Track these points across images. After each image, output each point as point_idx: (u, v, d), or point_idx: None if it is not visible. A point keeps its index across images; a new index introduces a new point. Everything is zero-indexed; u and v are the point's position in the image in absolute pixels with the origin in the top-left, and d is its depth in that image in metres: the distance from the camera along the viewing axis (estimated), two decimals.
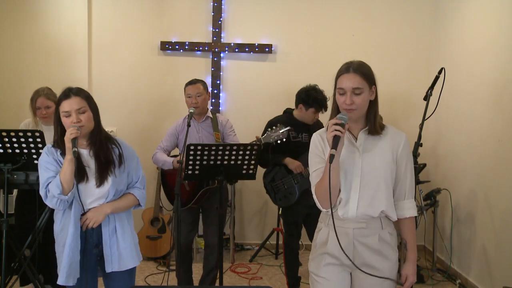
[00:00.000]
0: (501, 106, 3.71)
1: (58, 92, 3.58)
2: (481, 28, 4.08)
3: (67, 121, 2.21)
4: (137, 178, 2.44)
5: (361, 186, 1.96)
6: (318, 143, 2.05)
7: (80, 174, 2.22)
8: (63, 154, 2.24)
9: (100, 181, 2.27)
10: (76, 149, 2.13)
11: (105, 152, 2.30)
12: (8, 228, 2.89)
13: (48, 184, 2.22)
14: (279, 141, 3.35)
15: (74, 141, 2.15)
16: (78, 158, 2.20)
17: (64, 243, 2.23)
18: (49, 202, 2.23)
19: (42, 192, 2.25)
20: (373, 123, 1.98)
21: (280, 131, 3.34)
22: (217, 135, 3.57)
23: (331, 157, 1.81)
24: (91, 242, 2.32)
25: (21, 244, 3.06)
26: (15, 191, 3.48)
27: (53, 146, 2.30)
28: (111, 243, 2.32)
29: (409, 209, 2.03)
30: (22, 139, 2.85)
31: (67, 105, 2.21)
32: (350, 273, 2.06)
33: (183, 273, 3.58)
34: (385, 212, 1.98)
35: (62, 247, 2.25)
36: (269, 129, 3.39)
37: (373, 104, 1.98)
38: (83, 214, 2.27)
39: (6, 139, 2.84)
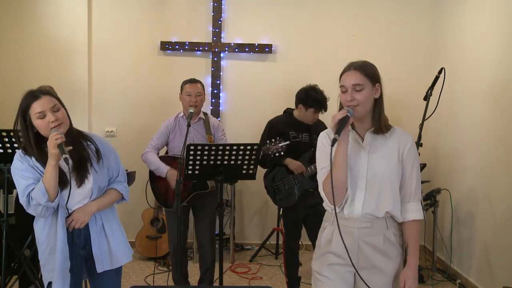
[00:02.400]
0: (501, 106, 3.71)
1: (59, 92, 3.63)
2: (481, 28, 4.08)
3: (43, 123, 2.07)
4: (117, 173, 2.36)
5: (367, 186, 1.96)
6: (326, 142, 2.06)
7: (61, 180, 2.10)
8: (38, 159, 2.13)
9: (80, 180, 2.17)
10: (67, 155, 2.00)
11: (79, 150, 2.18)
12: (8, 228, 2.89)
13: (29, 192, 2.09)
14: (277, 154, 3.34)
15: (62, 146, 2.01)
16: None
17: (52, 248, 2.15)
18: (33, 211, 2.11)
19: (23, 201, 2.11)
20: (378, 122, 1.98)
21: (280, 145, 3.33)
22: (210, 138, 3.56)
23: (333, 141, 1.81)
24: (78, 244, 2.23)
25: (22, 244, 3.06)
26: (15, 191, 3.48)
27: (25, 152, 2.15)
28: (100, 242, 2.25)
29: (413, 212, 2.04)
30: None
31: (38, 106, 2.07)
32: (354, 274, 2.05)
33: (178, 274, 3.59)
34: (391, 213, 1.98)
35: (49, 254, 2.17)
36: (268, 141, 3.38)
37: (378, 103, 1.98)
38: (68, 216, 2.18)
39: (6, 139, 2.84)
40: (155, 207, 4.62)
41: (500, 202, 3.67)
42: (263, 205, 5.21)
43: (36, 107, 2.08)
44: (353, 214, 1.97)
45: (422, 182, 4.30)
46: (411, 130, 3.75)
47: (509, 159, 3.57)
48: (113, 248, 2.29)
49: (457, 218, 4.37)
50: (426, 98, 3.66)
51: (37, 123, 2.09)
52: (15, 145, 2.86)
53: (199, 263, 3.66)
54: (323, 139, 2.08)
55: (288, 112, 3.77)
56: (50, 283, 2.18)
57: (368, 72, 1.95)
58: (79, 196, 2.21)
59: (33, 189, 2.10)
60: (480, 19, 4.13)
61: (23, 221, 3.30)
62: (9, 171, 2.86)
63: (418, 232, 2.06)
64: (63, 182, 2.12)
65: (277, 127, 3.61)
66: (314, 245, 3.70)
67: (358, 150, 1.98)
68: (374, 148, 1.99)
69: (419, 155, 3.67)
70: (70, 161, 2.03)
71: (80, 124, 3.84)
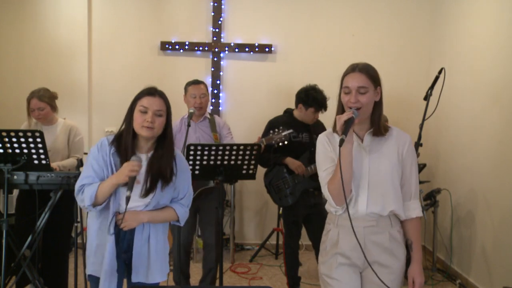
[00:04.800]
0: (501, 106, 3.71)
1: (59, 92, 3.64)
2: (481, 28, 4.08)
3: (140, 118, 2.11)
4: (183, 195, 2.31)
5: (369, 186, 1.98)
6: (326, 143, 2.07)
7: (128, 183, 2.08)
8: (116, 153, 2.15)
9: (145, 193, 2.15)
10: (129, 194, 2.02)
11: (164, 167, 2.16)
12: (8, 228, 2.89)
13: (84, 184, 2.14)
14: (281, 144, 3.35)
15: (133, 180, 2.03)
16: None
17: (98, 245, 2.16)
18: (78, 200, 2.16)
19: (77, 186, 2.16)
20: (377, 125, 2.01)
21: (283, 134, 3.33)
22: (216, 136, 3.57)
23: (341, 141, 1.83)
24: (120, 246, 2.20)
25: (22, 244, 3.06)
26: (15, 191, 3.48)
27: (111, 142, 2.17)
28: (141, 252, 2.20)
29: (415, 210, 2.07)
30: (22, 139, 2.85)
31: (147, 102, 2.14)
32: (361, 273, 2.07)
33: (179, 274, 3.59)
34: (395, 212, 2.01)
35: (95, 248, 2.18)
36: (271, 131, 3.39)
37: (378, 106, 2.01)
38: (119, 213, 2.15)
39: (6, 139, 2.84)
40: None
41: (500, 202, 3.67)
42: (263, 205, 5.21)
43: (144, 101, 2.15)
44: (357, 213, 1.99)
45: (422, 182, 4.33)
46: (411, 130, 3.76)
47: (509, 159, 3.57)
48: (152, 263, 2.22)
49: (457, 218, 4.37)
50: (426, 98, 3.66)
51: (136, 115, 2.14)
52: (15, 145, 2.86)
53: (202, 262, 3.66)
54: (323, 141, 2.08)
55: (288, 112, 3.77)
56: (90, 276, 2.21)
57: (372, 75, 1.98)
58: (136, 202, 2.17)
59: (89, 183, 2.13)
60: (480, 20, 4.13)
61: (24, 221, 3.30)
62: (9, 171, 2.86)
63: (420, 229, 2.11)
64: (129, 186, 2.08)
65: (277, 127, 3.61)
66: (314, 245, 3.74)
67: (359, 151, 2.00)
68: (374, 149, 2.01)
69: (419, 155, 3.70)
70: (129, 199, 2.04)
71: (80, 124, 3.87)
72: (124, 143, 2.16)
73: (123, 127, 2.21)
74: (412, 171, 2.05)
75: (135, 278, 2.21)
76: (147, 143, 2.20)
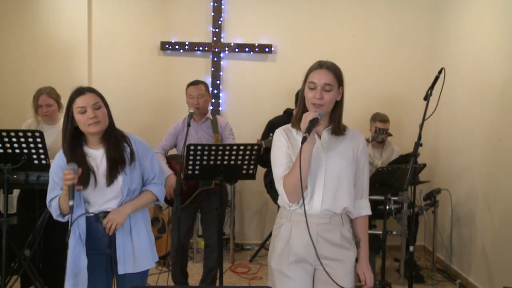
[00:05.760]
0: (501, 106, 3.71)
1: (59, 91, 3.64)
2: (481, 28, 4.08)
3: (82, 118, 2.15)
4: (153, 174, 2.37)
5: (325, 183, 2.01)
6: (283, 138, 2.09)
7: (84, 177, 2.16)
8: (66, 154, 2.20)
9: (110, 180, 2.20)
10: (72, 203, 2.06)
11: (118, 152, 2.23)
12: (8, 228, 2.89)
13: (51, 200, 2.24)
14: None
15: (72, 189, 2.07)
16: (83, 160, 2.18)
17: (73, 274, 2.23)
18: (52, 213, 2.26)
19: (47, 201, 2.26)
20: (337, 124, 2.04)
21: None
22: (217, 137, 3.58)
23: (303, 139, 1.84)
24: (103, 242, 2.27)
25: (24, 244, 3.06)
26: (15, 191, 3.49)
27: (65, 153, 2.22)
28: (124, 244, 2.25)
29: (365, 207, 2.11)
30: (22, 139, 2.85)
31: (81, 101, 2.16)
32: (314, 270, 2.08)
33: (178, 274, 3.59)
34: (348, 209, 2.04)
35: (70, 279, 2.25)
36: (271, 134, 3.39)
37: (339, 105, 2.04)
38: (104, 217, 2.22)
39: (6, 139, 2.84)
40: (155, 207, 4.62)
41: (500, 202, 3.67)
42: (263, 205, 5.21)
43: (79, 102, 2.17)
44: (312, 210, 2.00)
45: (422, 182, 4.33)
46: (411, 130, 3.77)
47: (509, 159, 3.57)
48: (137, 252, 2.28)
49: (457, 218, 4.37)
50: (426, 98, 3.66)
51: (78, 117, 2.17)
52: (15, 145, 2.86)
53: (203, 262, 3.66)
54: (281, 137, 2.09)
55: (288, 112, 3.78)
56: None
57: (338, 74, 2.01)
58: (109, 195, 2.24)
59: (54, 197, 2.22)
60: (480, 19, 4.13)
61: (25, 221, 3.30)
62: (9, 171, 2.86)
63: (367, 226, 2.16)
64: (85, 180, 2.17)
65: (277, 127, 3.61)
66: None
67: (316, 147, 2.01)
68: (331, 147, 2.04)
69: (419, 155, 3.70)
70: (73, 208, 2.08)
71: None
72: (67, 148, 2.21)
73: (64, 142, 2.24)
74: (365, 170, 2.10)
75: (121, 270, 2.26)
76: (97, 138, 2.25)
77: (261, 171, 3.50)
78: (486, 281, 3.81)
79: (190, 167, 2.97)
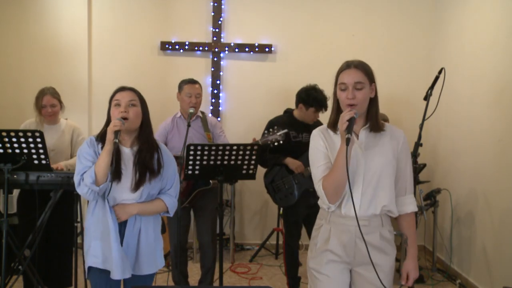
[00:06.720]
0: (501, 106, 3.71)
1: (59, 91, 3.63)
2: (481, 28, 4.08)
3: (115, 111, 2.23)
4: (170, 185, 2.38)
5: (364, 183, 1.98)
6: (321, 139, 2.06)
7: (116, 172, 2.19)
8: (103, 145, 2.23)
9: (136, 187, 2.23)
10: (117, 141, 2.11)
11: (149, 160, 2.25)
12: (8, 228, 2.89)
13: (84, 173, 2.20)
14: (276, 143, 3.33)
15: (117, 133, 2.12)
16: (117, 155, 2.19)
17: (96, 236, 2.22)
18: (80, 190, 2.21)
19: (76, 179, 2.22)
20: (374, 121, 2.01)
21: (278, 134, 3.32)
22: (209, 135, 3.56)
23: (347, 140, 1.82)
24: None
25: (24, 244, 3.07)
26: (15, 191, 3.48)
27: (96, 139, 2.27)
28: (130, 244, 2.26)
29: (410, 204, 2.07)
30: (22, 139, 2.85)
31: (119, 95, 2.27)
32: (350, 271, 2.07)
33: (178, 274, 3.59)
34: (387, 208, 2.00)
35: (93, 240, 2.23)
36: (266, 132, 3.38)
37: (373, 102, 2.01)
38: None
39: (6, 139, 2.84)
40: None
41: (500, 202, 3.67)
42: (263, 205, 5.21)
43: (117, 96, 2.29)
44: (350, 212, 1.97)
45: (422, 182, 4.33)
46: (411, 130, 3.76)
47: (509, 159, 3.57)
48: (140, 256, 2.28)
49: (457, 218, 4.37)
50: (426, 98, 3.66)
51: (112, 110, 2.27)
52: (15, 145, 2.86)
53: (200, 263, 3.66)
54: (319, 137, 2.07)
55: (288, 112, 3.77)
56: (90, 268, 2.24)
57: (367, 71, 1.99)
58: (127, 197, 2.25)
59: (85, 171, 2.20)
60: (480, 20, 4.13)
61: (26, 221, 3.30)
62: (9, 171, 2.86)
63: (414, 223, 2.11)
64: (116, 174, 2.19)
65: (273, 127, 3.61)
66: None
67: (354, 147, 1.99)
68: (369, 145, 2.01)
69: (419, 155, 3.70)
70: (116, 145, 2.12)
71: (80, 124, 3.87)
72: (107, 138, 2.22)
73: (103, 130, 2.30)
74: (407, 166, 2.05)
75: (118, 275, 2.23)
76: (129, 137, 2.28)
77: (261, 171, 3.50)
78: (486, 281, 3.81)
79: (190, 167, 2.96)
